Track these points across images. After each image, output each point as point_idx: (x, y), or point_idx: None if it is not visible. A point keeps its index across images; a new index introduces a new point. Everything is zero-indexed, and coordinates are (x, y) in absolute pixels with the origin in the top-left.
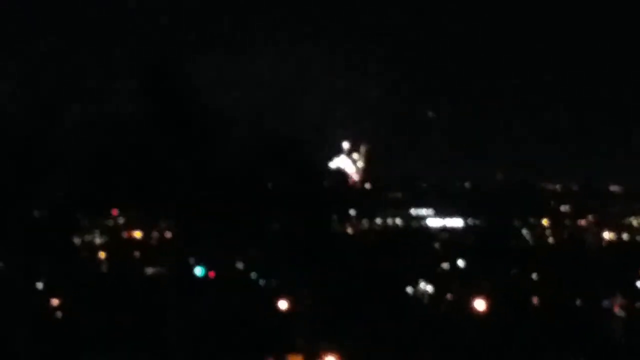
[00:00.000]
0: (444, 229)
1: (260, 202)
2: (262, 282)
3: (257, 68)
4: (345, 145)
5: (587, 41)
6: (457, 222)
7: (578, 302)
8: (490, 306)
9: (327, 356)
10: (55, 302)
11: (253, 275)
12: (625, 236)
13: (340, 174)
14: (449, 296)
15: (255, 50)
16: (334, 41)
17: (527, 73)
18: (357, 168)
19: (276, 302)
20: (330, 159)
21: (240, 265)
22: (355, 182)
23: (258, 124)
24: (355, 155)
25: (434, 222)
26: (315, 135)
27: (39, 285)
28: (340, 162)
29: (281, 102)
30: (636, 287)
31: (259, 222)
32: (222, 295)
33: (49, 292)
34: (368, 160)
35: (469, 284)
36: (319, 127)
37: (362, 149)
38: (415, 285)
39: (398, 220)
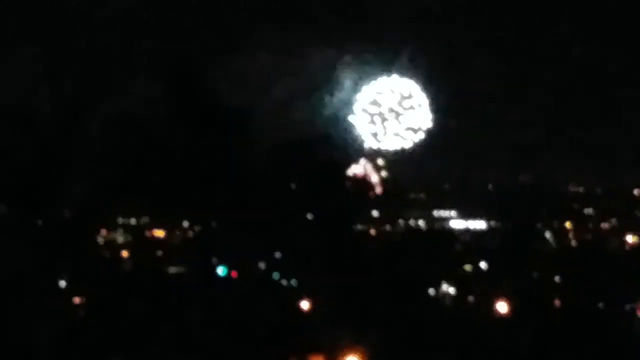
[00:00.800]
0: (467, 231)
1: (283, 202)
2: (284, 282)
3: (281, 67)
4: (367, 145)
5: (618, 39)
6: (480, 224)
7: (600, 305)
8: (513, 309)
9: (348, 356)
10: (77, 300)
11: (275, 275)
12: None
13: (363, 182)
14: (471, 298)
15: (279, 49)
16: (360, 41)
17: (551, 75)
18: (381, 177)
19: (298, 302)
20: (352, 159)
21: (262, 265)
22: (376, 196)
23: (281, 123)
24: (379, 161)
25: (457, 223)
26: (337, 136)
27: (62, 284)
28: (362, 168)
29: (305, 102)
30: None
31: (281, 222)
32: (244, 295)
33: (71, 291)
34: (393, 171)
35: (491, 287)
36: (341, 127)
37: (386, 157)
38: (437, 286)
39: (421, 222)
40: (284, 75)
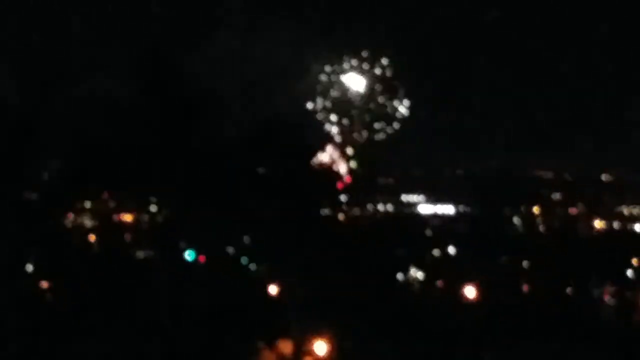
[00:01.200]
0: (435, 216)
1: (251, 186)
2: (252, 267)
3: (251, 53)
4: (334, 130)
5: (582, 30)
6: (448, 209)
7: (568, 290)
8: (481, 293)
9: (317, 341)
10: (44, 284)
11: (243, 260)
12: (616, 225)
13: (329, 173)
14: (439, 283)
15: (249, 34)
16: (328, 26)
17: (521, 62)
18: (349, 167)
19: (266, 287)
20: (320, 146)
21: (230, 249)
22: (345, 185)
23: (250, 109)
24: (348, 150)
25: (425, 208)
26: (305, 120)
27: (29, 268)
28: (328, 157)
29: (273, 86)
30: (627, 276)
31: (249, 207)
32: (213, 280)
33: (38, 275)
34: (362, 162)
35: (459, 271)
36: (309, 112)
37: (354, 144)
38: (405, 271)
39: (389, 207)
40: (252, 59)
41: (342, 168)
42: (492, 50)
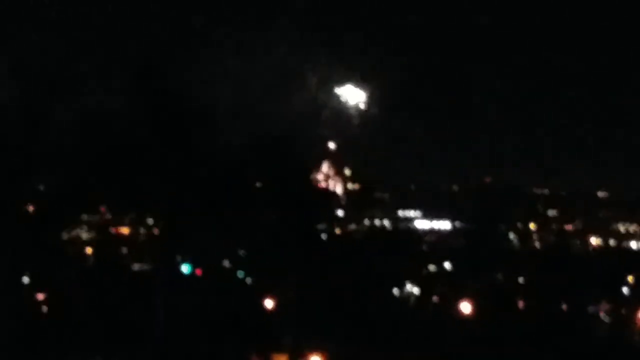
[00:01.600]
0: (432, 231)
1: (248, 200)
2: (248, 280)
3: (247, 67)
4: (332, 145)
5: (580, 45)
6: (444, 225)
7: (564, 306)
8: (476, 309)
9: (312, 355)
10: (40, 296)
11: (240, 273)
12: (612, 242)
13: (327, 188)
14: (435, 298)
15: (245, 50)
16: (324, 41)
17: (519, 78)
18: (346, 189)
19: (262, 301)
20: (317, 161)
21: (226, 263)
22: (342, 200)
23: (246, 123)
24: (347, 172)
25: (422, 224)
26: (302, 134)
27: (25, 280)
28: (324, 176)
29: (270, 101)
30: (622, 293)
31: (246, 221)
32: (209, 293)
33: (34, 287)
34: (359, 177)
35: (455, 287)
36: (306, 126)
37: (352, 161)
38: (401, 286)
39: (386, 222)
40: (250, 75)
41: (338, 183)
42: (485, 61)
